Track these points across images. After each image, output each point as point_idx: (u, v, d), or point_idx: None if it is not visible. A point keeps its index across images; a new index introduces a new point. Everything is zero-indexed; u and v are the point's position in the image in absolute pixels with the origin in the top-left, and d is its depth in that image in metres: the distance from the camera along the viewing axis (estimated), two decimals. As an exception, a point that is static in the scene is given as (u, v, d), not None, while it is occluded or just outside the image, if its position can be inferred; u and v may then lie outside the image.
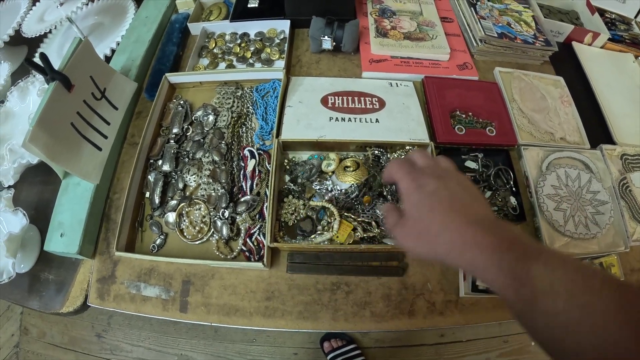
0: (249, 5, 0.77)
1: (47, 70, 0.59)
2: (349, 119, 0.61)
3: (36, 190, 0.73)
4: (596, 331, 0.23)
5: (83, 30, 0.90)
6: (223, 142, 0.63)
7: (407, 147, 0.59)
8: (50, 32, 0.87)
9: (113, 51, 0.83)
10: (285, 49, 0.73)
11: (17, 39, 0.84)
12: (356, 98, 0.64)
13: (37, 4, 0.91)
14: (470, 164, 0.62)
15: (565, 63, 0.78)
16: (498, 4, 0.77)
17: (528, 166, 0.62)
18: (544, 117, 0.68)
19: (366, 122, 0.61)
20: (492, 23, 0.73)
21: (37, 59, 0.89)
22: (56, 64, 0.60)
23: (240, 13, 0.77)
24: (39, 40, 0.90)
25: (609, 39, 0.80)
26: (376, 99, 0.64)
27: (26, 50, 1.00)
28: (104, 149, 0.67)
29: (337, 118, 0.61)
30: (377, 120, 0.61)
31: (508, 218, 0.59)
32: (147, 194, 0.62)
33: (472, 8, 0.74)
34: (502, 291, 0.27)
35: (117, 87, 0.72)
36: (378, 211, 0.55)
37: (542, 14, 0.80)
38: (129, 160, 0.68)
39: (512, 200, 0.60)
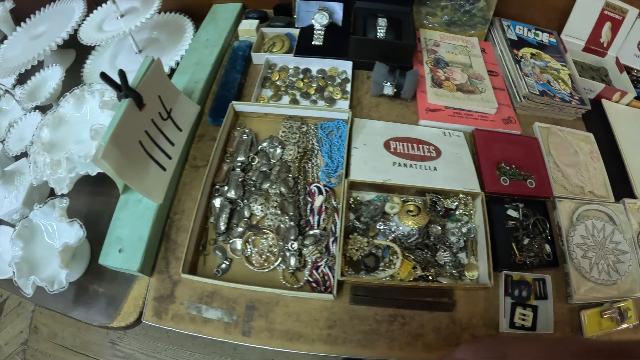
0: (313, 43, 0.81)
1: (122, 87, 0.60)
2: (410, 165, 0.66)
3: (85, 200, 0.74)
4: None
5: (138, 43, 0.91)
6: (290, 175, 0.67)
7: (461, 195, 0.65)
8: (105, 40, 0.88)
9: (171, 70, 0.85)
10: (348, 89, 0.77)
11: (65, 42, 0.83)
12: (415, 145, 0.69)
13: (95, 11, 0.91)
14: (511, 212, 0.68)
15: (595, 119, 0.84)
16: (539, 61, 0.84)
17: (561, 217, 0.69)
18: (576, 171, 0.75)
19: (425, 169, 0.66)
20: (534, 80, 0.79)
21: (92, 65, 0.90)
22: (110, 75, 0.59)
23: (304, 49, 0.81)
24: (90, 46, 0.90)
25: (635, 97, 0.87)
26: (433, 147, 0.69)
27: (74, 54, 1.00)
28: (168, 169, 0.68)
29: (399, 163, 0.66)
30: (435, 168, 0.66)
31: (543, 264, 0.65)
32: (212, 219, 0.65)
33: (517, 65, 0.81)
34: None
35: (182, 109, 0.74)
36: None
37: (577, 70, 0.87)
38: (190, 182, 0.71)
39: (547, 247, 0.66)
